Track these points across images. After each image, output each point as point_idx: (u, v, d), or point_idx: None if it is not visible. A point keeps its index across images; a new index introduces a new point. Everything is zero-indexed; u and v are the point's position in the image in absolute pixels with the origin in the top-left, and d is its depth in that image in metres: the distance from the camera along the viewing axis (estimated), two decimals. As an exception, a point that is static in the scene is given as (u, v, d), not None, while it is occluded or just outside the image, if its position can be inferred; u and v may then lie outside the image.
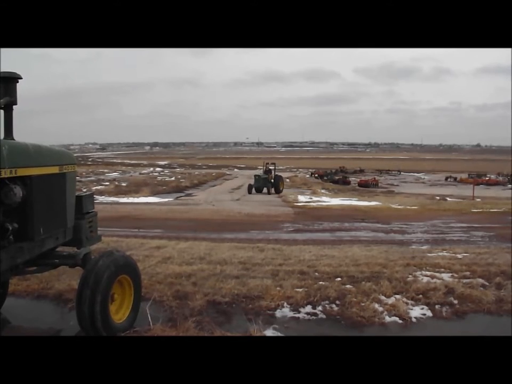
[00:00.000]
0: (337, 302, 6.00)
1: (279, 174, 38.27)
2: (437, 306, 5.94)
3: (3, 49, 3.71)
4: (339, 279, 6.99)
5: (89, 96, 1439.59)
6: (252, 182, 35.27)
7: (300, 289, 6.39)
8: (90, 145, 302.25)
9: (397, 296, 6.22)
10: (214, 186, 43.43)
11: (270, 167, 36.98)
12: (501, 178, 59.69)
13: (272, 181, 35.13)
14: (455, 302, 6.09)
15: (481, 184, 49.29)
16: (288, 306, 5.86)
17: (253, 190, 34.32)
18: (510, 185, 51.27)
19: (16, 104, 4.41)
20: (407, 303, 5.99)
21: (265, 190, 34.47)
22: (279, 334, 5.01)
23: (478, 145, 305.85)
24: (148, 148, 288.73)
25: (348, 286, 6.62)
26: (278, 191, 34.28)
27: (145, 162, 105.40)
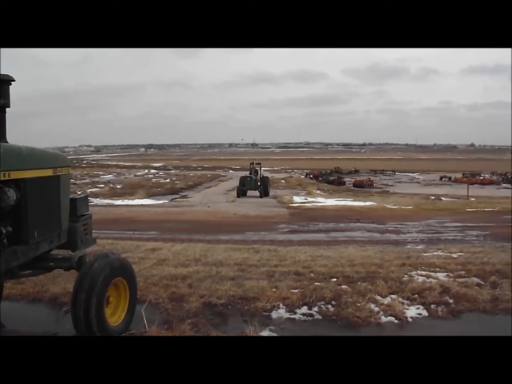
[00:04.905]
0: (333, 302, 6.00)
1: (266, 175, 37.50)
2: (432, 306, 5.95)
3: None
4: (335, 279, 6.99)
5: (81, 98, 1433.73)
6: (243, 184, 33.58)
7: (296, 290, 6.38)
8: (84, 147, 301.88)
9: (393, 296, 6.23)
10: (209, 187, 43.40)
11: (256, 168, 35.55)
12: (495, 177, 60.03)
13: (259, 183, 33.40)
14: (451, 301, 6.11)
15: (476, 183, 49.55)
16: (284, 307, 5.85)
17: (246, 192, 33.09)
18: (503, 184, 51.59)
19: (9, 106, 4.38)
20: (402, 303, 6.00)
21: (255, 193, 32.80)
22: (275, 335, 5.00)
23: (472, 144, 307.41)
24: (142, 149, 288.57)
25: (343, 286, 6.62)
26: (266, 193, 32.83)
27: (140, 164, 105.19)
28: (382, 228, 16.06)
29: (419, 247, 11.15)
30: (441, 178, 60.82)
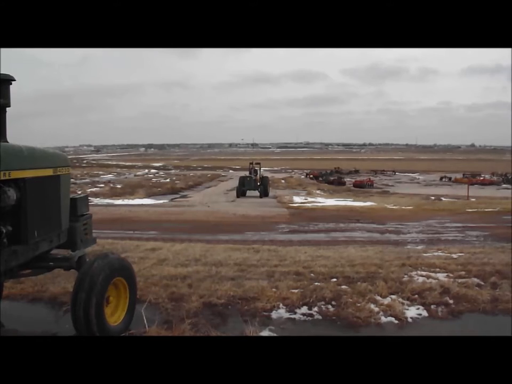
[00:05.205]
0: (333, 302, 5.99)
1: (266, 175, 37.22)
2: (432, 306, 5.94)
3: None
4: (335, 279, 6.98)
5: (80, 98, 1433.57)
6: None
7: (296, 290, 6.38)
8: (84, 147, 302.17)
9: (393, 296, 6.22)
10: (209, 187, 43.47)
11: (255, 168, 35.34)
12: (495, 178, 60.13)
13: (259, 183, 33.10)
14: (451, 301, 6.10)
15: (476, 184, 49.66)
16: (284, 307, 5.85)
17: (245, 192, 32.69)
18: (504, 185, 51.65)
19: (9, 106, 4.38)
20: (402, 303, 5.99)
21: (255, 193, 32.62)
22: (275, 335, 5.00)
23: (473, 145, 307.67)
24: (142, 149, 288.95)
25: (343, 286, 6.61)
26: (266, 194, 32.51)
27: (140, 164, 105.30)
28: (382, 228, 16.06)
29: (419, 247, 11.16)
30: (441, 178, 60.96)
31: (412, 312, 5.79)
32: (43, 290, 6.34)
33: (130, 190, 36.02)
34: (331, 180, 55.05)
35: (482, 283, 6.91)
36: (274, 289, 6.40)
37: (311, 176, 61.66)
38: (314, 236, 14.21)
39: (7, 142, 4.25)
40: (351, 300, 5.99)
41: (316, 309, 5.84)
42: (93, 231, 5.47)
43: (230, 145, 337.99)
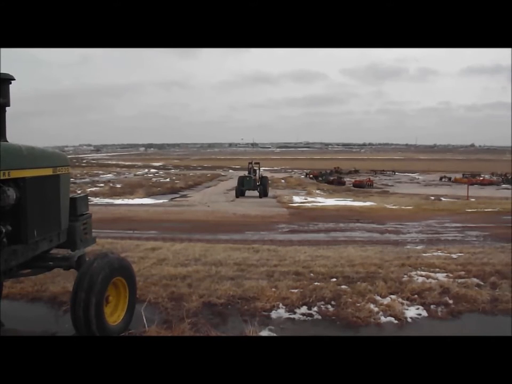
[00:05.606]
0: (333, 302, 5.99)
1: (266, 174, 37.00)
2: (432, 306, 5.95)
3: None
4: (334, 279, 6.98)
5: (80, 98, 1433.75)
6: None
7: (295, 290, 6.38)
8: (84, 146, 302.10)
9: (392, 296, 6.23)
10: (209, 187, 43.45)
11: (254, 167, 35.08)
12: (494, 178, 60.15)
13: (259, 183, 32.78)
14: (450, 301, 6.10)
15: (476, 184, 49.66)
16: (284, 307, 5.85)
17: (244, 192, 32.33)
18: (503, 185, 51.69)
19: (9, 105, 4.38)
20: (402, 303, 5.99)
21: (255, 192, 32.28)
22: (274, 335, 5.00)
23: (472, 145, 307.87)
24: (142, 149, 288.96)
25: (343, 286, 6.62)
26: (265, 194, 32.18)
27: (139, 163, 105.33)
28: (382, 228, 16.06)
29: (419, 247, 11.15)
30: (441, 178, 60.94)
31: (412, 312, 5.79)
32: (43, 289, 6.34)
33: (130, 189, 35.98)
34: (331, 179, 55.03)
35: (482, 283, 6.91)
36: (274, 289, 6.40)
37: (311, 176, 61.61)
38: (314, 236, 14.21)
39: (7, 141, 4.25)
40: (350, 300, 6.00)
41: (315, 308, 5.84)
42: (93, 230, 5.47)
43: (230, 145, 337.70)
